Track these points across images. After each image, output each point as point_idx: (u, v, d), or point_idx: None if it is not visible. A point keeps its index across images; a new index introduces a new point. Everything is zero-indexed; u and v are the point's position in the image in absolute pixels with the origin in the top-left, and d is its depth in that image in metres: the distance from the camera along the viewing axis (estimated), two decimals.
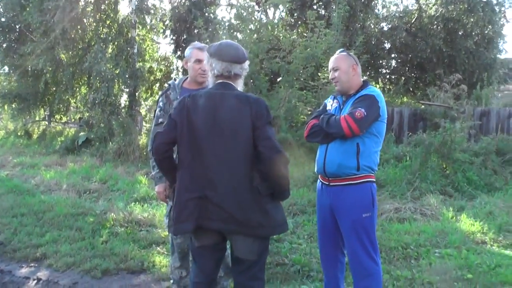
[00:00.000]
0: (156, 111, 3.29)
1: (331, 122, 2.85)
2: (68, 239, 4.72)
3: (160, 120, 3.21)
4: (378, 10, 16.93)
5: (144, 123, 12.42)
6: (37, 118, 16.56)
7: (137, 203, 6.47)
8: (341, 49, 3.14)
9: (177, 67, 16.06)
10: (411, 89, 17.35)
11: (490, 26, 15.85)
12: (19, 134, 15.81)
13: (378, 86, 16.77)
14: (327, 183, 2.95)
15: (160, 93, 3.37)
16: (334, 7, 11.73)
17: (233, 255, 2.56)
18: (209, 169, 2.40)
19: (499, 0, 15.77)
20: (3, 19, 14.17)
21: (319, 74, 10.58)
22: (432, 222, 5.41)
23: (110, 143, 10.57)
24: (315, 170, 3.08)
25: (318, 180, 3.12)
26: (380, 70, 17.57)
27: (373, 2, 15.63)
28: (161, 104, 3.27)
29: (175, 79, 3.43)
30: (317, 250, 4.32)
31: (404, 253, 4.38)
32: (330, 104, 3.10)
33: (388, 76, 18.08)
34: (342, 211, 2.90)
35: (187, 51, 3.25)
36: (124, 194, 7.15)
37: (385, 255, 4.27)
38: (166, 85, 3.43)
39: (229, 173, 2.38)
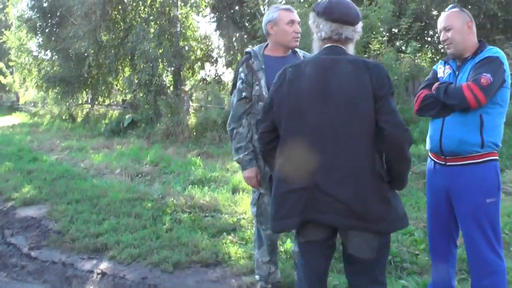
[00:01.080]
0: (238, 84, 2.81)
1: (450, 91, 2.41)
2: (128, 227, 4.32)
3: (244, 94, 2.78)
4: None
5: (190, 102, 11.96)
6: (80, 102, 16.47)
7: (194, 186, 6.05)
8: (452, 5, 2.64)
9: (218, 46, 15.60)
10: None
11: None
12: (63, 117, 15.77)
13: (427, 56, 15.87)
14: (443, 162, 2.51)
15: (240, 62, 2.88)
16: None
17: (345, 252, 2.09)
18: (320, 151, 1.97)
19: None
20: (45, 4, 13.98)
21: (370, 45, 9.89)
22: None
23: (158, 124, 10.20)
24: (428, 148, 2.63)
25: (429, 159, 2.67)
26: (431, 39, 16.59)
27: None
28: (242, 75, 2.80)
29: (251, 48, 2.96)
30: (404, 237, 3.85)
31: None
32: (442, 70, 2.65)
33: (439, 46, 17.13)
34: (461, 195, 2.46)
35: (271, 15, 2.80)
36: (179, 176, 6.74)
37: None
38: (245, 52, 2.94)
39: (345, 154, 1.95)
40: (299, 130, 2.01)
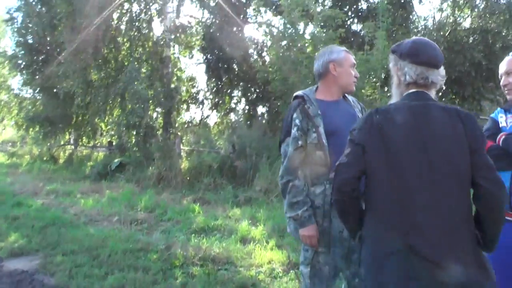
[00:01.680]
0: (293, 132, 2.53)
1: None
2: (137, 283, 3.88)
3: (300, 142, 2.50)
4: (415, 23, 16.41)
5: (181, 146, 11.62)
6: (62, 142, 15.89)
7: (197, 235, 5.66)
8: None
9: (205, 88, 15.39)
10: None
11: None
12: (44, 158, 15.13)
13: None
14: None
15: (292, 108, 2.62)
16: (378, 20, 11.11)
17: None
18: (415, 207, 1.74)
19: None
20: (30, 41, 13.65)
21: (363, 90, 9.87)
22: None
23: (151, 167, 9.79)
24: None
25: None
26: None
27: (411, 16, 15.10)
28: (297, 121, 2.54)
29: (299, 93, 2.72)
30: None
31: None
32: (504, 119, 2.49)
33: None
34: None
35: (335, 54, 2.61)
36: (179, 224, 6.32)
37: None
38: (295, 96, 2.71)
39: (441, 213, 1.73)
40: (394, 184, 1.77)
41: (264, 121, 11.73)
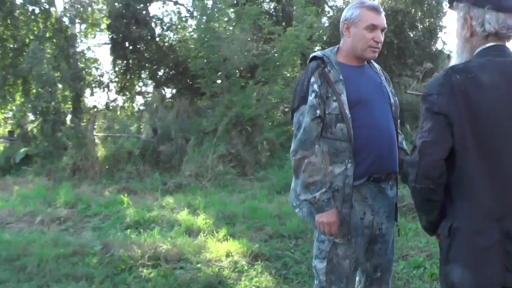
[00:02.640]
0: (310, 99, 2.14)
1: None
2: None
3: (318, 112, 2.11)
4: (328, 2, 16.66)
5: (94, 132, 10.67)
6: None
7: (133, 230, 5.11)
8: None
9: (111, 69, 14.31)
10: None
11: (431, 19, 16.24)
12: None
13: None
14: None
15: (309, 70, 2.21)
16: None
17: None
18: (510, 187, 1.49)
19: None
20: None
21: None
22: None
23: (64, 157, 8.83)
24: None
25: None
26: None
27: None
28: (315, 87, 2.14)
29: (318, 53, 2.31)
30: None
31: None
32: None
33: None
34: None
35: (350, 11, 2.21)
36: (109, 220, 5.68)
37: None
38: (312, 58, 2.30)
39: None
40: (485, 161, 1.50)
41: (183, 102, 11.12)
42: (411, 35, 16.59)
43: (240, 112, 9.09)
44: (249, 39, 9.04)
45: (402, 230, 4.35)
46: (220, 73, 9.19)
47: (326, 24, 11.10)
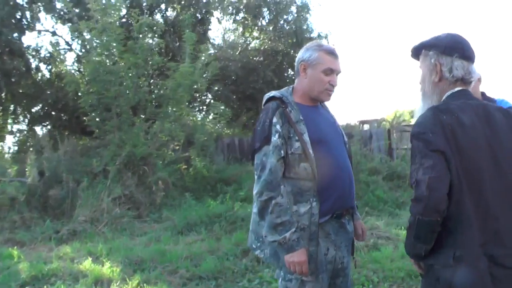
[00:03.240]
0: (274, 139, 2.19)
1: None
2: None
3: (282, 152, 2.19)
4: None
5: None
6: None
7: (32, 287, 4.68)
8: None
9: None
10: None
11: None
12: None
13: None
14: None
15: (270, 110, 2.25)
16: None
17: None
18: (493, 216, 1.69)
19: (321, 35, 17.56)
20: None
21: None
22: None
23: None
24: None
25: None
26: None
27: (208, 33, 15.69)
28: (278, 127, 2.20)
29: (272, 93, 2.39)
30: None
31: None
32: None
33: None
34: None
35: (308, 53, 2.31)
36: None
37: None
38: (270, 98, 2.35)
39: None
40: (473, 193, 1.68)
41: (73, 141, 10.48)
42: (290, 75, 17.74)
43: (132, 151, 8.85)
44: (142, 74, 8.96)
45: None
46: (112, 110, 8.87)
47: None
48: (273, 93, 2.37)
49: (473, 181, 1.68)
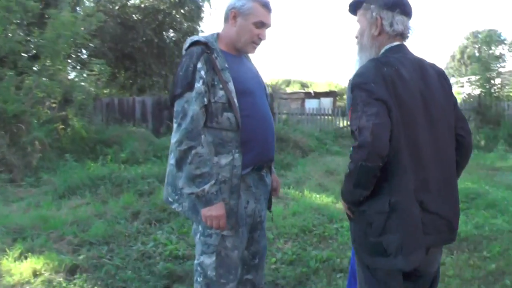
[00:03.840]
0: (197, 85, 2.08)
1: None
2: None
3: (205, 100, 2.10)
4: None
5: None
6: None
7: None
8: None
9: None
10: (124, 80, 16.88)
11: (191, 23, 17.22)
12: None
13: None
14: None
15: (194, 55, 2.12)
16: None
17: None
18: (423, 165, 1.81)
19: None
20: None
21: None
22: None
23: None
24: None
25: None
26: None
27: None
28: (202, 73, 2.09)
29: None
30: None
31: None
32: None
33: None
34: None
35: (242, 1, 2.21)
36: None
37: None
38: (194, 42, 2.21)
39: (441, 167, 1.86)
40: (408, 143, 1.78)
41: None
42: (171, 35, 17.28)
43: (2, 107, 8.03)
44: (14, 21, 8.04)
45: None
46: None
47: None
48: (197, 37, 2.25)
49: (409, 132, 1.77)
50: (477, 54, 19.44)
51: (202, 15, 17.56)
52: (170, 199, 2.28)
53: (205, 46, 2.15)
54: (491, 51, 16.45)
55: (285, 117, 14.48)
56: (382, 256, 1.78)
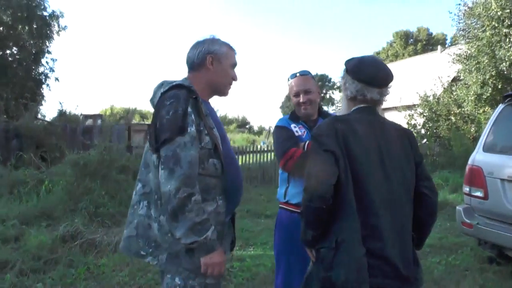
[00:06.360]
0: (190, 129, 2.01)
1: None
2: None
3: (199, 145, 2.06)
4: None
5: None
6: None
7: None
8: (304, 70, 2.99)
9: None
10: None
11: (40, 41, 15.94)
12: None
13: None
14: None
15: (181, 99, 2.04)
16: None
17: None
18: (373, 214, 1.96)
19: (55, 14, 16.06)
20: None
21: None
22: None
23: None
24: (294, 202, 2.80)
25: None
26: None
27: None
28: (193, 117, 2.04)
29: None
30: None
31: None
32: (296, 128, 2.90)
33: None
34: None
35: (216, 46, 2.24)
36: None
37: None
38: (177, 85, 2.12)
39: (392, 218, 1.98)
40: (357, 192, 1.93)
41: None
42: (15, 52, 15.77)
43: None
44: None
45: None
46: None
47: None
48: (178, 81, 2.16)
49: (359, 180, 1.95)
50: None
51: (52, 33, 16.38)
52: (142, 253, 2.13)
53: (188, 91, 2.09)
54: (321, 95, 18.45)
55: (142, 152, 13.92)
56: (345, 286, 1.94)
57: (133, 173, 9.09)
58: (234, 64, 2.31)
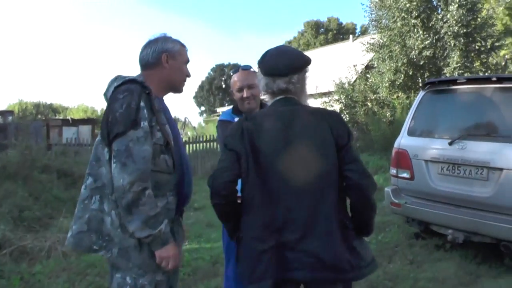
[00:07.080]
0: (143, 123, 2.01)
1: None
2: None
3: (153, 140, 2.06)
4: None
5: None
6: None
7: None
8: (247, 65, 3.02)
9: None
10: None
11: None
12: None
13: None
14: None
15: (135, 93, 2.03)
16: None
17: None
18: (285, 206, 1.97)
19: None
20: None
21: None
22: None
23: None
24: None
25: None
26: None
27: None
28: (145, 112, 2.03)
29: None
30: None
31: None
32: None
33: None
34: None
35: (170, 44, 2.25)
36: None
37: None
38: (130, 80, 2.10)
39: (311, 207, 1.96)
40: (263, 188, 1.98)
41: None
42: None
43: None
44: None
45: None
46: None
47: None
48: (131, 76, 2.16)
49: (265, 176, 1.98)
50: (223, 86, 21.61)
51: None
52: (95, 247, 2.11)
53: (142, 86, 2.09)
54: None
55: (62, 149, 13.15)
56: (242, 282, 2.06)
57: (56, 172, 8.61)
58: (187, 61, 2.33)
